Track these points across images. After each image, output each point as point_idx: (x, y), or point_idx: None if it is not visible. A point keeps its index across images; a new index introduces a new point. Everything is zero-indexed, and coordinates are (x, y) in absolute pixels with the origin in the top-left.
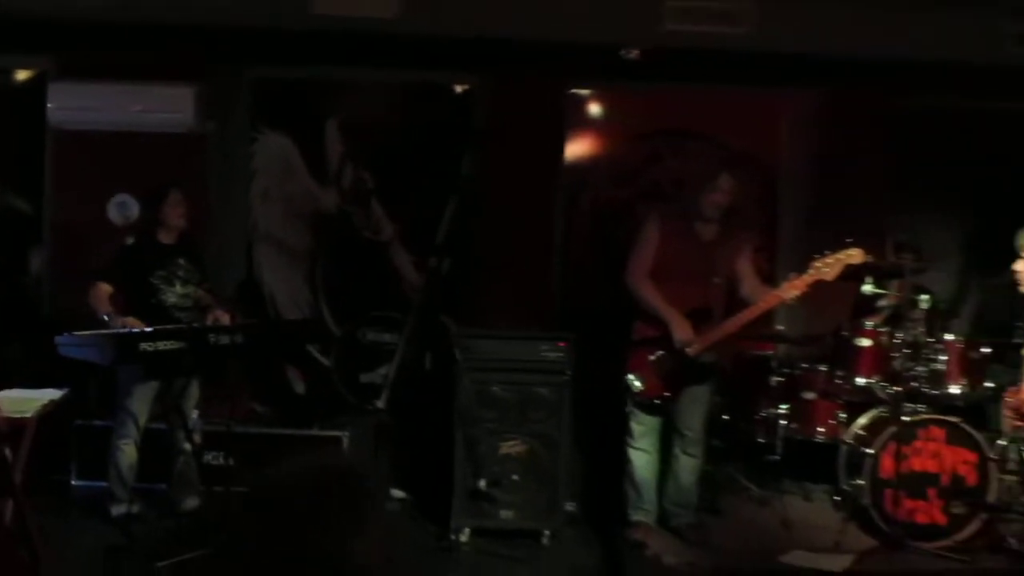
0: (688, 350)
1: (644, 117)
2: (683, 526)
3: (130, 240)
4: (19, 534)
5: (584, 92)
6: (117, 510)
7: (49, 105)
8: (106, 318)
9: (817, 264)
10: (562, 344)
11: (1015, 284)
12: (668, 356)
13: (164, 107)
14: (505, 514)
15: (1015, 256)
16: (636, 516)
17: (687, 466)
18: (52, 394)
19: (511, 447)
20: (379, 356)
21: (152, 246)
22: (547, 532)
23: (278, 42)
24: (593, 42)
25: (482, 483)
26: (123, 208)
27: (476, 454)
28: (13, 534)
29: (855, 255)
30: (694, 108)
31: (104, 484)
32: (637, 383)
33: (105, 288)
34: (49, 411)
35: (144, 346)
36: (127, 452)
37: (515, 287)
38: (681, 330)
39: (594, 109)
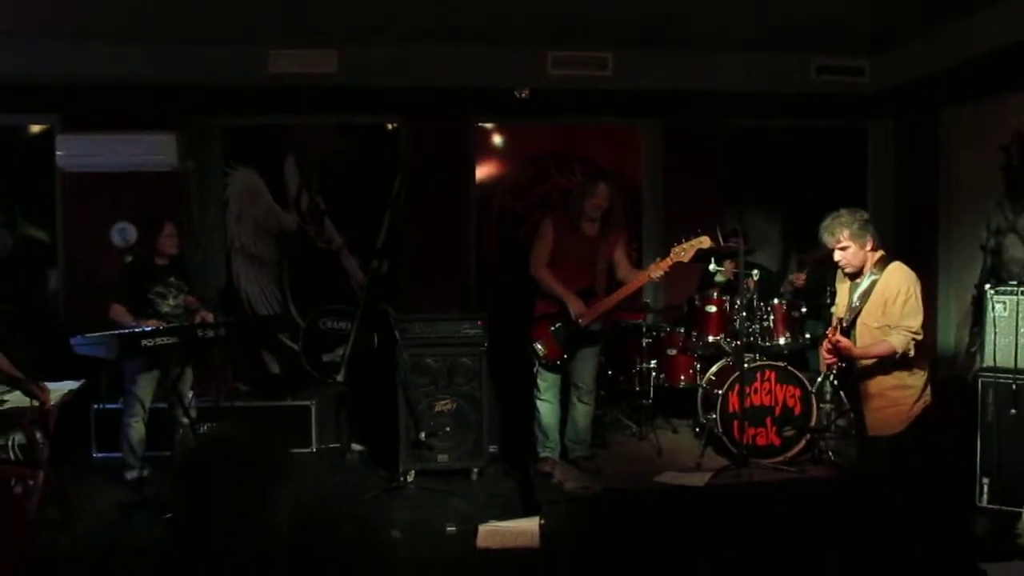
0: (580, 321)
1: (535, 143)
2: (580, 458)
3: (129, 258)
4: (51, 497)
5: (487, 125)
6: (130, 475)
7: (57, 153)
8: (134, 327)
9: (675, 249)
10: (479, 322)
11: (828, 259)
12: (564, 326)
13: (152, 151)
14: (441, 458)
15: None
16: (543, 453)
17: (582, 411)
18: (71, 385)
19: (443, 405)
20: (336, 340)
21: (148, 267)
22: (475, 470)
23: (243, 95)
24: (493, 86)
25: (422, 435)
26: (123, 233)
27: (416, 412)
28: (22, 503)
29: (705, 241)
30: (573, 135)
31: (119, 455)
32: (541, 349)
33: (120, 308)
34: (69, 399)
35: (146, 342)
36: (136, 428)
37: (440, 280)
38: (575, 305)
39: (496, 138)
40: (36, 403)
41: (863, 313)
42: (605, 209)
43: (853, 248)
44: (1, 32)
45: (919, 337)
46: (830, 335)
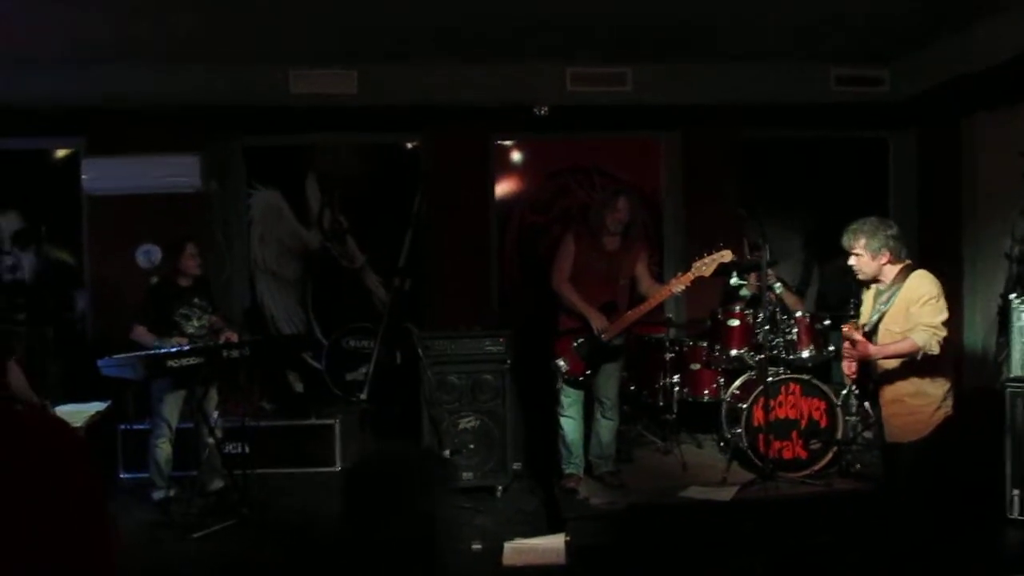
0: (603, 336)
1: (554, 159)
2: (605, 474)
3: (154, 280)
4: None
5: (507, 142)
6: (157, 495)
7: (83, 176)
8: (158, 347)
9: (697, 263)
10: (501, 339)
11: (849, 269)
12: (587, 342)
13: (175, 173)
14: (466, 475)
15: (845, 250)
16: (568, 469)
17: (606, 427)
18: (98, 406)
19: (467, 423)
20: (360, 358)
21: (173, 289)
22: (499, 487)
23: (265, 116)
24: (512, 103)
25: (446, 452)
26: (148, 254)
27: (440, 430)
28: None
29: (727, 255)
30: (592, 150)
31: (146, 475)
32: (564, 365)
33: (142, 328)
34: (97, 420)
35: (172, 363)
36: (163, 448)
37: (462, 296)
38: (597, 320)
39: (515, 155)
40: None
41: (886, 318)
42: (626, 223)
43: (865, 258)
44: (26, 58)
45: (942, 333)
46: (846, 330)
